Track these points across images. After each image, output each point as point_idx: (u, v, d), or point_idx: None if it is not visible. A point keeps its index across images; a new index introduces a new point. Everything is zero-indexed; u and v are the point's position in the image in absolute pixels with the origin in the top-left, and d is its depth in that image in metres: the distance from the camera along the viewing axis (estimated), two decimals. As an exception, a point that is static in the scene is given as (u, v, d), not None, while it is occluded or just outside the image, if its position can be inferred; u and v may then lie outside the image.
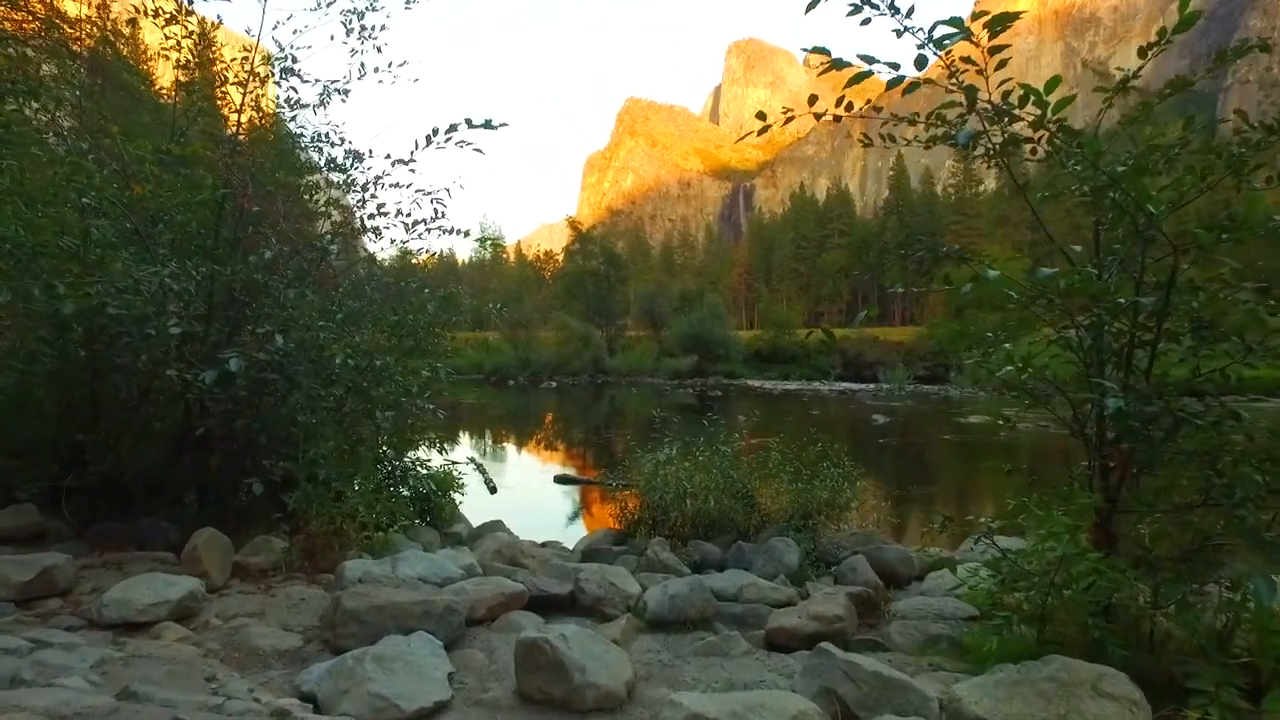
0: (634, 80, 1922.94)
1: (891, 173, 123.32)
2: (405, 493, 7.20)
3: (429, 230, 6.65)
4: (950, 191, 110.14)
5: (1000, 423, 5.04)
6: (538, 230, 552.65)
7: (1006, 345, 4.36)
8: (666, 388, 52.36)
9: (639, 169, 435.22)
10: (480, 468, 17.51)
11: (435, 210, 6.58)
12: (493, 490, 15.60)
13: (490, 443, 25.18)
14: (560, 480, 16.10)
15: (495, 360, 61.17)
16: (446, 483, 8.55)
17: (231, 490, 5.55)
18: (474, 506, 10.36)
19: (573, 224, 76.42)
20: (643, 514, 7.97)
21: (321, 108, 7.04)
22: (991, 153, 3.83)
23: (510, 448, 24.39)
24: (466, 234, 6.64)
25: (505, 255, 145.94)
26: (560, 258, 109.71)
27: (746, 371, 62.53)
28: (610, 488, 15.59)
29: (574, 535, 10.57)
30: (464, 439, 25.89)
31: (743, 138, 4.40)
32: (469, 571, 5.52)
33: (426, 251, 7.83)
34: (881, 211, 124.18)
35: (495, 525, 8.64)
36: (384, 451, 6.77)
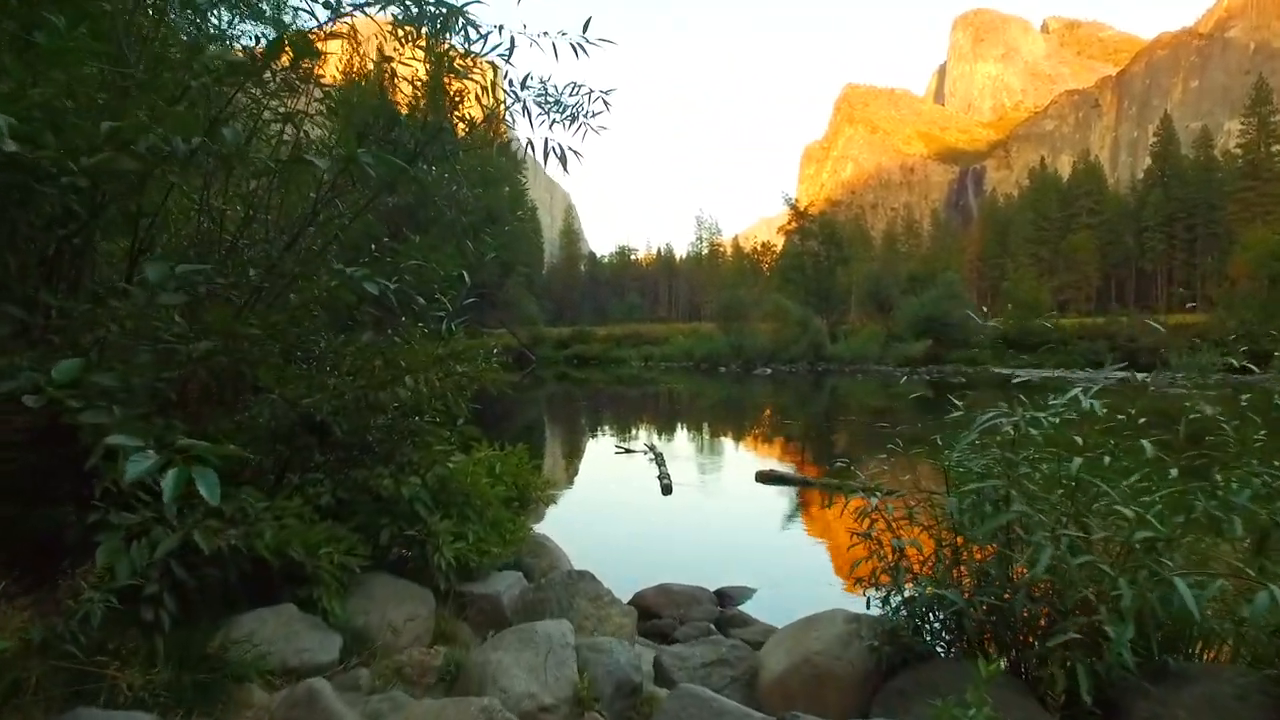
0: (852, 66, 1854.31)
1: (1155, 139, 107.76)
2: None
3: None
4: (1236, 154, 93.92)
5: None
6: (756, 224, 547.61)
7: None
8: (896, 375, 46.89)
9: (858, 157, 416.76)
10: (659, 458, 14.07)
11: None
12: (667, 490, 11.52)
13: (685, 432, 21.92)
14: (764, 479, 12.41)
15: (706, 348, 58.69)
16: (462, 483, 4.46)
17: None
18: (620, 517, 7.16)
19: (791, 203, 71.88)
20: (971, 591, 3.13)
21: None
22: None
23: (708, 438, 20.96)
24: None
25: (723, 249, 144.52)
26: (778, 248, 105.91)
27: (990, 358, 54.91)
28: (834, 491, 11.67)
29: (768, 574, 7.01)
30: (660, 428, 23.05)
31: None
32: None
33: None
34: (1140, 184, 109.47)
35: (580, 578, 4.50)
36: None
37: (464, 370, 4.07)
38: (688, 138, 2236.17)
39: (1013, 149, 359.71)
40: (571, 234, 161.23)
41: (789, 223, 72.04)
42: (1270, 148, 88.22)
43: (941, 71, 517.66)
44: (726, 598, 6.58)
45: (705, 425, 23.87)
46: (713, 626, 5.48)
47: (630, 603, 6.22)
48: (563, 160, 3.78)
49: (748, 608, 6.33)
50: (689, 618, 5.85)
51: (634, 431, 20.70)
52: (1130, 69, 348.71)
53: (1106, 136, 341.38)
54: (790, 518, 10.48)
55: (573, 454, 17.74)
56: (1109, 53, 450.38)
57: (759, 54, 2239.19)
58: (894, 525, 3.43)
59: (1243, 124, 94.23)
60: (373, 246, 4.54)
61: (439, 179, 4.29)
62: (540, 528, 7.11)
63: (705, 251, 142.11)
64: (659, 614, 5.97)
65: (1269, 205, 79.53)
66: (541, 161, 3.81)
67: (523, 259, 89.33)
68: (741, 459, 16.30)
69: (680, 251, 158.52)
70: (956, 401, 3.89)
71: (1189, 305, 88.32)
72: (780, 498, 11.50)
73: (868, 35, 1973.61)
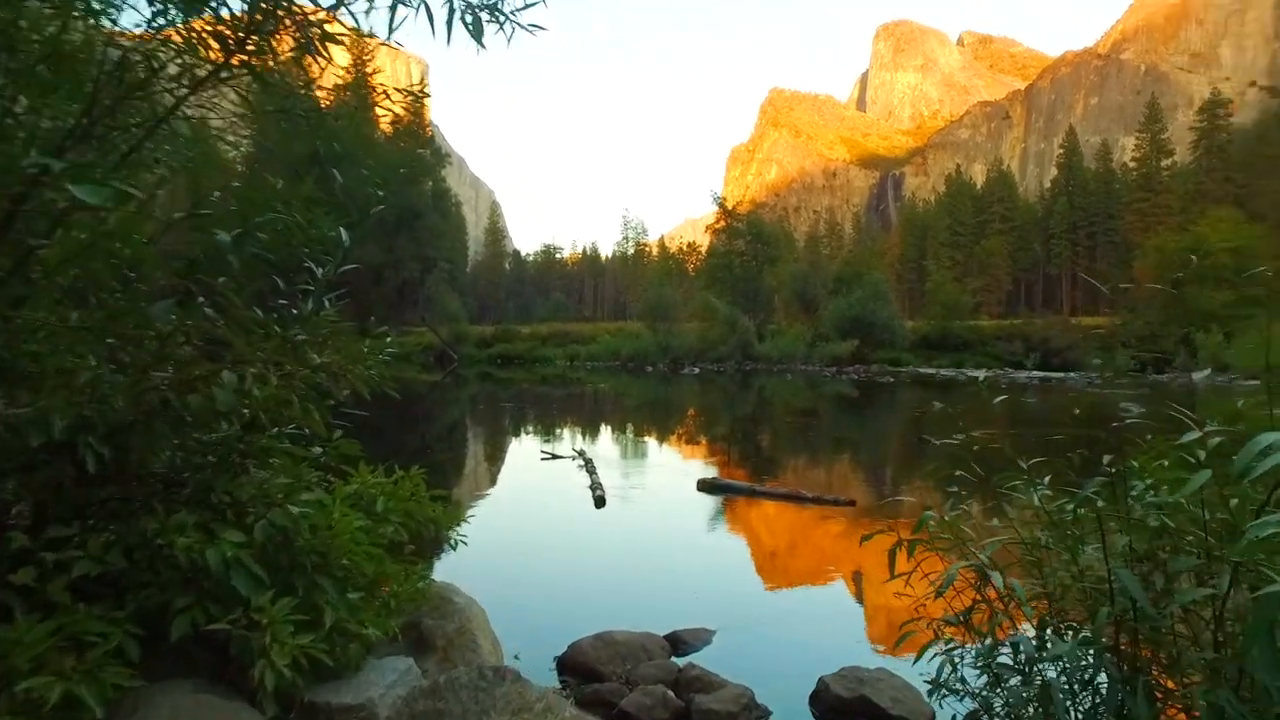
0: (777, 70, 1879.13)
1: (1061, 150, 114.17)
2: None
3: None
4: (1131, 167, 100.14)
5: None
6: (681, 224, 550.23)
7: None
8: (825, 375, 46.84)
9: (783, 160, 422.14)
10: (589, 465, 11.88)
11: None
12: (600, 503, 10.19)
13: (615, 435, 20.71)
14: (706, 488, 11.40)
15: (633, 347, 57.69)
16: (320, 535, 2.93)
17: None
18: (547, 541, 6.13)
19: (719, 202, 71.41)
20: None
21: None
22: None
23: (641, 442, 19.79)
24: None
25: (649, 249, 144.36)
26: (703, 248, 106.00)
27: (913, 359, 55.66)
28: (792, 501, 10.81)
29: (726, 609, 6.18)
30: (588, 430, 21.91)
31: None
32: None
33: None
34: (1047, 194, 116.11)
35: (499, 679, 2.97)
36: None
37: (325, 363, 2.73)
38: (615, 137, 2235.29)
39: (930, 156, 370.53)
40: (496, 231, 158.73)
41: (717, 221, 71.58)
42: (1160, 163, 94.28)
43: (864, 79, 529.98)
44: (681, 643, 5.41)
45: (635, 427, 22.71)
46: (671, 694, 4.30)
47: (564, 658, 5.00)
48: (477, 31, 2.54)
49: (708, 658, 5.17)
50: (639, 677, 4.66)
51: (560, 434, 19.41)
52: (1037, 84, 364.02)
53: (1016, 147, 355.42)
54: (739, 533, 9.42)
55: (493, 460, 16.36)
56: (1019, 68, 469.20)
57: (686, 55, 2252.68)
58: (1010, 607, 2.28)
59: (1137, 139, 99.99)
60: (215, 193, 3.24)
61: (292, 81, 2.98)
62: (448, 567, 5.82)
63: (631, 251, 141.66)
64: (601, 673, 4.75)
65: (1161, 216, 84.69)
66: (446, 34, 2.56)
67: (445, 254, 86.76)
68: (677, 464, 15.18)
69: (606, 251, 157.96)
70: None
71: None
72: (725, 509, 10.44)
73: (793, 41, 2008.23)
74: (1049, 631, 2.19)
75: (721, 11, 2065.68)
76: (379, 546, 3.18)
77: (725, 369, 52.05)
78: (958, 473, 2.85)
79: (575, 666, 4.88)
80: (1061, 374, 45.20)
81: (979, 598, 2.31)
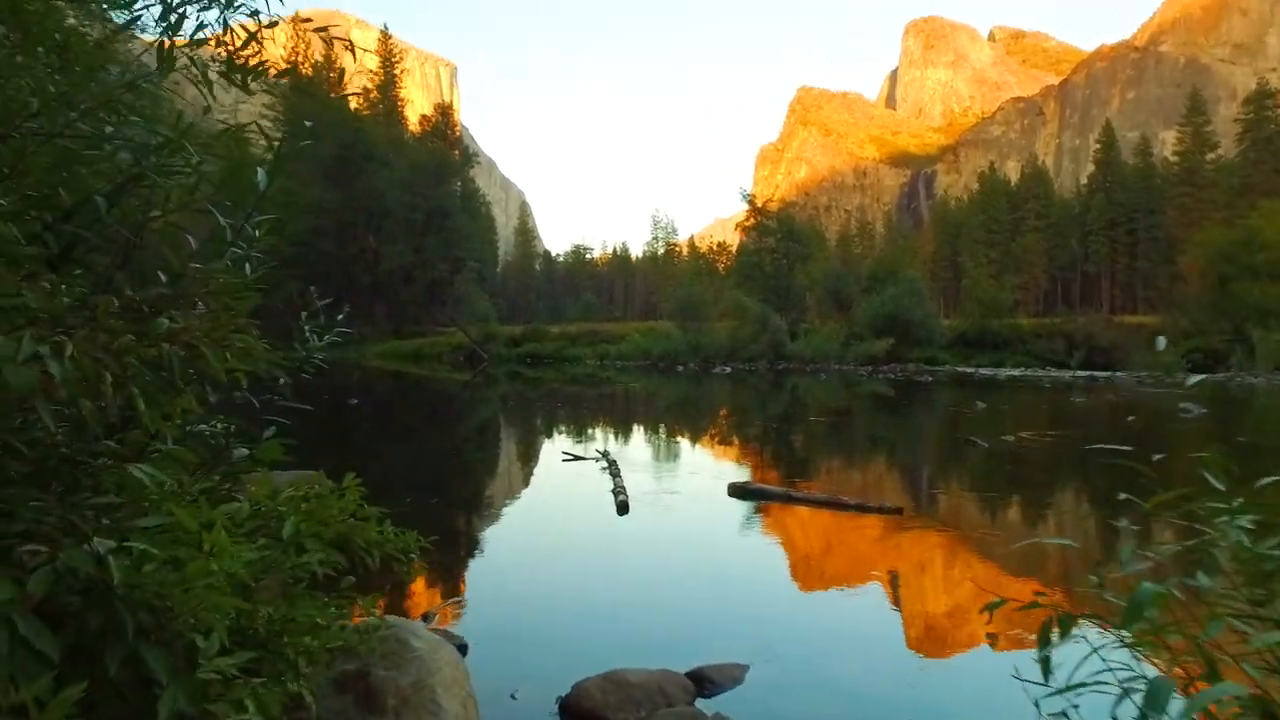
0: (805, 69, 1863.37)
1: (1098, 145, 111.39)
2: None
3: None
4: (1173, 162, 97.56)
5: None
6: (711, 225, 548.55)
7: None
8: (860, 374, 45.52)
9: (812, 159, 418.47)
10: (613, 468, 10.83)
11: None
12: (623, 509, 9.28)
13: (643, 435, 19.77)
14: (738, 492, 10.52)
15: (663, 346, 56.76)
16: (166, 578, 1.71)
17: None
18: (559, 554, 6.15)
19: (748, 199, 70.24)
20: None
21: None
22: None
23: (669, 443, 18.77)
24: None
25: (678, 249, 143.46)
26: (733, 248, 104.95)
27: (950, 358, 54.07)
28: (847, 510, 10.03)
29: (761, 638, 5.36)
30: (616, 430, 21.09)
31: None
32: None
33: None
34: (1084, 190, 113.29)
35: None
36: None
37: (176, 329, 1.80)
38: (644, 138, 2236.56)
39: (961, 154, 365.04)
40: (526, 232, 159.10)
41: (747, 219, 70.41)
42: (1204, 156, 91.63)
43: (893, 76, 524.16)
44: (707, 683, 4.47)
45: (664, 428, 21.77)
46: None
47: (568, 701, 4.12)
48: None
49: (740, 702, 4.25)
50: (660, 733, 3.77)
51: (587, 434, 18.58)
52: (1072, 79, 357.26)
53: (1050, 143, 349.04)
54: (775, 546, 8.48)
55: (517, 461, 15.58)
56: (1052, 62, 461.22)
57: (713, 55, 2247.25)
58: None
59: (1179, 133, 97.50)
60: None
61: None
62: (436, 590, 4.97)
63: (661, 251, 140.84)
64: (613, 725, 3.87)
65: (1205, 210, 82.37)
66: None
67: (474, 254, 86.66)
68: (708, 466, 14.25)
69: (636, 251, 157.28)
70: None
71: None
72: (759, 516, 9.52)
73: (821, 39, 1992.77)
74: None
75: (749, 10, 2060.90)
76: (298, 583, 2.28)
77: (757, 368, 50.91)
78: (1123, 495, 1.93)
79: (580, 712, 4.02)
80: (1107, 373, 43.50)
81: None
